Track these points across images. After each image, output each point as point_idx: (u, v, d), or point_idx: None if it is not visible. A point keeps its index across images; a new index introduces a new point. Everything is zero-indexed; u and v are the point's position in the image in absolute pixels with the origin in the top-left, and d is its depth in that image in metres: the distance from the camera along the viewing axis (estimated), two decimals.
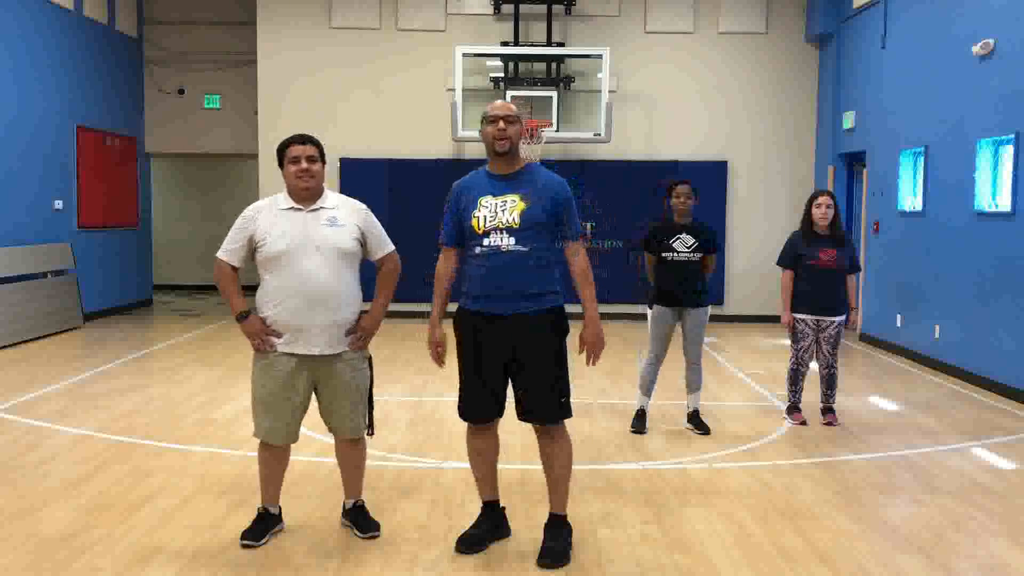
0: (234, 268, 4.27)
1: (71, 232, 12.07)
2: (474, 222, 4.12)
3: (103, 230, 13.04)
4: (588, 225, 12.23)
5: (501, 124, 4.09)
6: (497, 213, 4.07)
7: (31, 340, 10.52)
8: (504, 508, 4.46)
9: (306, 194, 4.23)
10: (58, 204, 11.75)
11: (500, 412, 4.24)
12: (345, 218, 4.27)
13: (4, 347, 9.99)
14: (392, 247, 4.45)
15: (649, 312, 6.64)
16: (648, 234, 6.64)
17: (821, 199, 6.77)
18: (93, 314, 12.49)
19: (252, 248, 4.22)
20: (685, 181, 6.62)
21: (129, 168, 13.90)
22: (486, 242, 4.08)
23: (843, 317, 6.79)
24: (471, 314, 4.16)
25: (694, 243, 6.49)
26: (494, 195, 4.12)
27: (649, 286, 6.70)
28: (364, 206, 4.41)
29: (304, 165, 4.20)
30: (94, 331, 11.59)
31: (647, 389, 6.69)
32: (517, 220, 4.05)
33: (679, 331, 6.65)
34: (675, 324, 6.60)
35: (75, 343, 10.67)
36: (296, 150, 4.23)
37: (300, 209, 4.22)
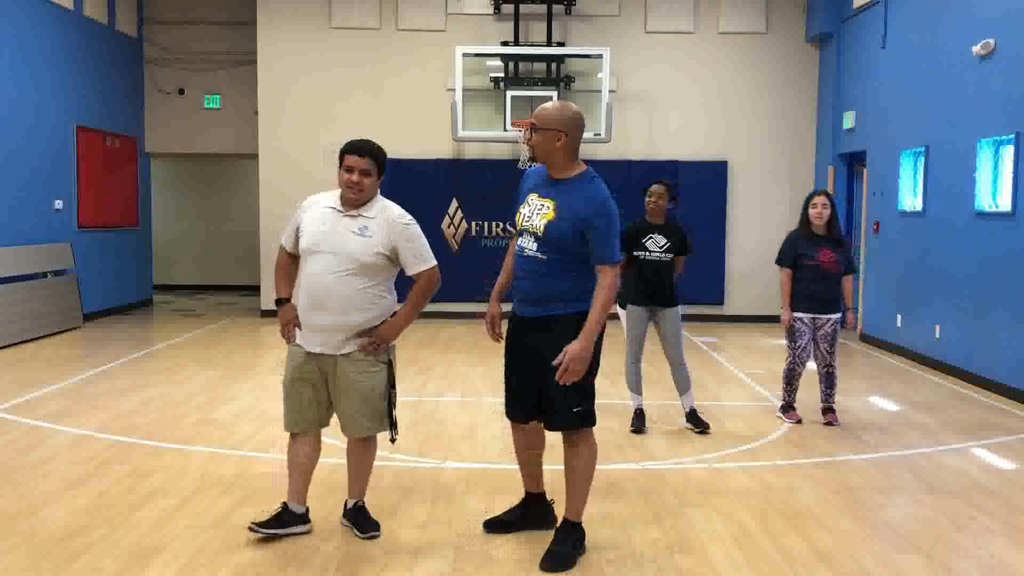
0: (291, 255, 4.40)
1: (71, 232, 12.07)
2: (517, 216, 4.18)
3: (103, 230, 13.04)
4: None
5: (527, 134, 4.10)
6: (533, 215, 4.06)
7: (31, 340, 10.52)
8: (552, 502, 4.52)
9: (352, 202, 4.27)
10: (58, 204, 11.75)
11: (530, 414, 4.24)
12: (377, 231, 4.21)
13: (4, 347, 9.99)
14: (431, 264, 4.33)
15: (622, 312, 6.68)
16: (622, 233, 6.65)
17: (816, 199, 6.82)
18: (93, 314, 12.49)
19: (299, 237, 4.33)
20: (660, 181, 6.67)
21: (129, 168, 13.90)
22: (520, 241, 4.16)
23: (839, 315, 6.81)
24: (512, 315, 4.28)
25: (666, 243, 6.53)
26: (540, 195, 4.09)
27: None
28: (407, 221, 4.30)
29: (356, 178, 4.21)
30: (94, 331, 11.59)
31: (636, 388, 6.73)
32: (541, 228, 4.01)
33: (654, 331, 6.70)
34: (648, 323, 6.64)
35: (75, 343, 10.67)
36: (352, 160, 4.21)
37: (340, 211, 4.26)
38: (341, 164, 4.26)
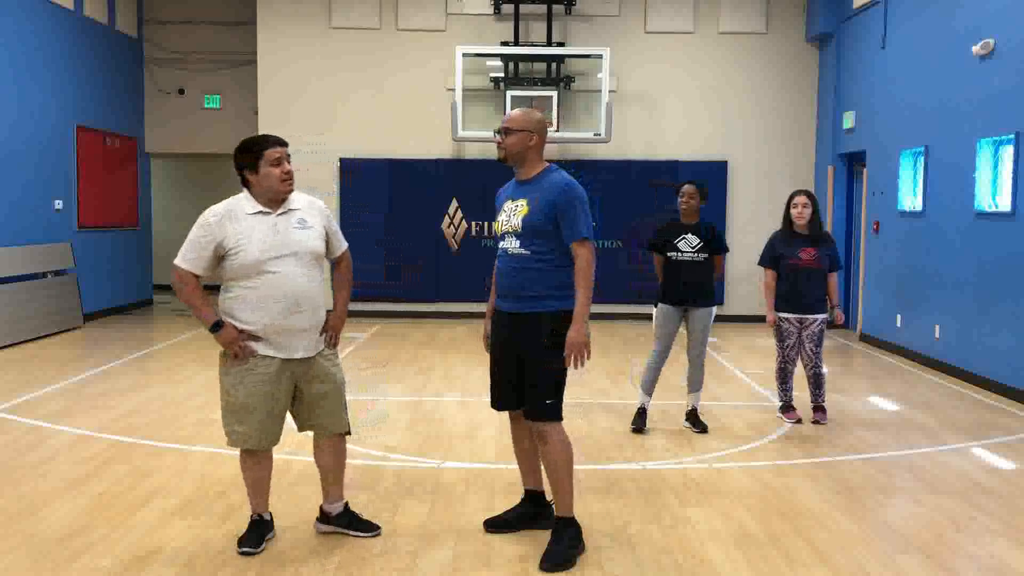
0: (196, 277, 4.10)
1: (71, 232, 12.07)
2: (496, 225, 4.41)
3: (103, 230, 13.04)
4: None
5: (498, 138, 4.33)
6: (510, 217, 4.28)
7: (31, 340, 10.52)
8: (552, 503, 4.50)
9: (283, 197, 4.14)
10: (58, 204, 11.75)
11: (518, 404, 4.37)
12: (312, 219, 4.21)
13: (4, 347, 9.99)
14: (347, 244, 4.45)
15: (654, 310, 6.68)
16: (655, 234, 6.70)
17: (797, 199, 6.84)
18: (93, 314, 12.49)
19: (219, 256, 4.06)
20: (691, 181, 6.65)
21: (129, 168, 13.90)
22: (501, 244, 4.33)
23: (825, 315, 6.82)
24: (496, 310, 4.41)
25: (699, 243, 6.51)
26: (513, 199, 4.32)
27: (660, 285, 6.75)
28: (324, 204, 4.39)
29: (288, 167, 4.12)
30: (94, 331, 11.59)
31: (648, 387, 6.72)
32: (519, 225, 4.21)
33: (683, 330, 6.69)
34: (680, 323, 6.63)
35: (75, 343, 10.67)
36: (279, 152, 4.10)
37: (269, 213, 4.11)
38: (258, 163, 4.06)
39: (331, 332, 4.30)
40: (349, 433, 4.44)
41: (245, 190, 4.17)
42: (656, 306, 6.66)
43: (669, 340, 6.64)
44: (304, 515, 4.72)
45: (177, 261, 4.11)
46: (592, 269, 4.16)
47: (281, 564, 4.11)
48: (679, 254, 6.53)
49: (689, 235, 6.55)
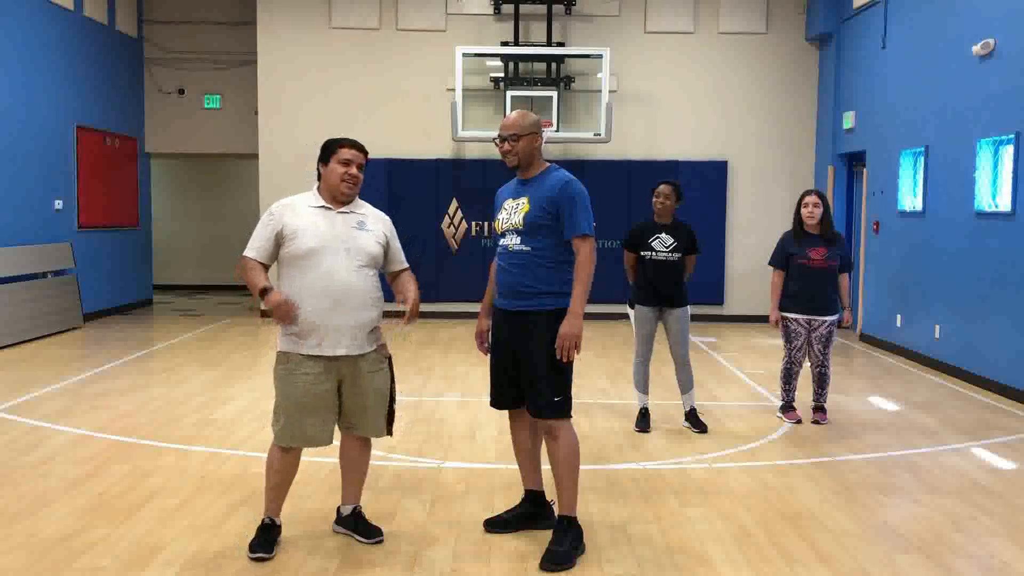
0: (263, 265, 4.20)
1: (71, 232, 12.07)
2: (496, 224, 4.43)
3: (103, 230, 13.04)
4: None
5: (506, 145, 4.32)
6: (511, 215, 4.30)
7: (31, 340, 10.52)
8: (552, 503, 4.52)
9: (344, 198, 4.23)
10: (58, 204, 11.75)
11: (517, 403, 4.41)
12: (374, 225, 4.29)
13: (4, 347, 9.99)
14: (407, 265, 4.47)
15: (631, 312, 6.72)
16: (630, 233, 6.71)
17: (808, 199, 6.83)
18: (93, 314, 12.49)
19: (278, 245, 4.18)
20: (667, 182, 6.67)
21: (129, 168, 13.90)
22: (502, 242, 4.35)
23: (835, 317, 6.82)
24: (496, 309, 4.42)
25: (673, 243, 6.54)
26: (514, 198, 4.35)
27: (631, 285, 6.78)
28: (388, 218, 4.46)
29: (354, 171, 4.22)
30: (94, 331, 11.59)
31: (642, 387, 6.74)
32: (521, 222, 4.24)
33: (663, 331, 6.72)
34: (657, 323, 6.67)
35: (75, 343, 10.67)
36: (350, 153, 4.21)
37: (331, 209, 4.22)
38: (330, 158, 4.21)
39: (411, 307, 4.26)
40: (390, 434, 4.45)
41: (316, 184, 4.31)
42: (631, 307, 6.69)
43: (650, 340, 6.70)
44: (305, 515, 4.73)
45: (245, 252, 4.21)
46: (591, 265, 4.17)
47: (282, 564, 4.11)
48: (653, 254, 6.56)
49: (663, 235, 6.57)
